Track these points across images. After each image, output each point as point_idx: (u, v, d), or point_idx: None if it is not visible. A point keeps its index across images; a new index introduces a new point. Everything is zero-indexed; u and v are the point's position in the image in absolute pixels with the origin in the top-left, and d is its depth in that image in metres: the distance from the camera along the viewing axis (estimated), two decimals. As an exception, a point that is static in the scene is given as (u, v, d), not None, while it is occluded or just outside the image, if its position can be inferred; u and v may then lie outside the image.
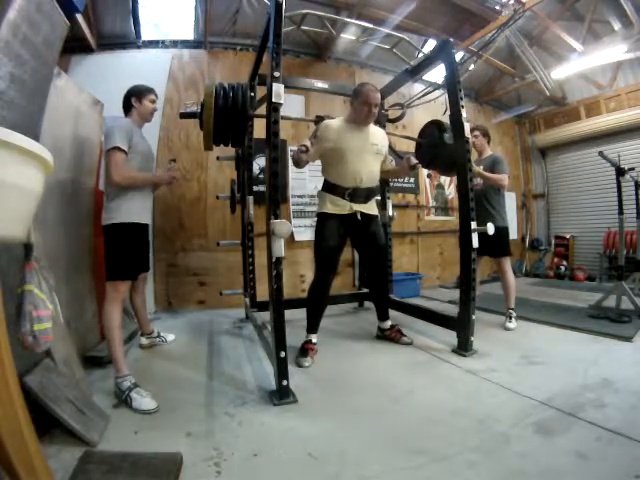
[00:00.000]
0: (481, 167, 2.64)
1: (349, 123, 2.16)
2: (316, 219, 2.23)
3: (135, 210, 1.82)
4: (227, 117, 1.81)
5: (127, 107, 1.98)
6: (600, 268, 4.84)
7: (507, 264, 2.68)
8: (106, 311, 1.69)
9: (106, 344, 1.72)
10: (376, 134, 2.24)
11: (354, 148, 2.10)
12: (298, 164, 2.03)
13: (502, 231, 2.64)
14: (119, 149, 1.73)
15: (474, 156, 2.48)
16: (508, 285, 2.66)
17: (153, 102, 2.03)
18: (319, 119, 2.30)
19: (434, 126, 2.54)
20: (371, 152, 2.17)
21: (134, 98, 1.96)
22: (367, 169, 2.15)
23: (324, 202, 2.16)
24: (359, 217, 2.14)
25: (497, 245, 2.60)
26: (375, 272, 2.35)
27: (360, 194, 2.15)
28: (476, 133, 2.75)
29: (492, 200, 2.71)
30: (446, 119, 2.28)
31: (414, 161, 2.09)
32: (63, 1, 1.33)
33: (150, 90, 2.02)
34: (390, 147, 2.42)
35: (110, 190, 1.80)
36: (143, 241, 1.92)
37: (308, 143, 1.92)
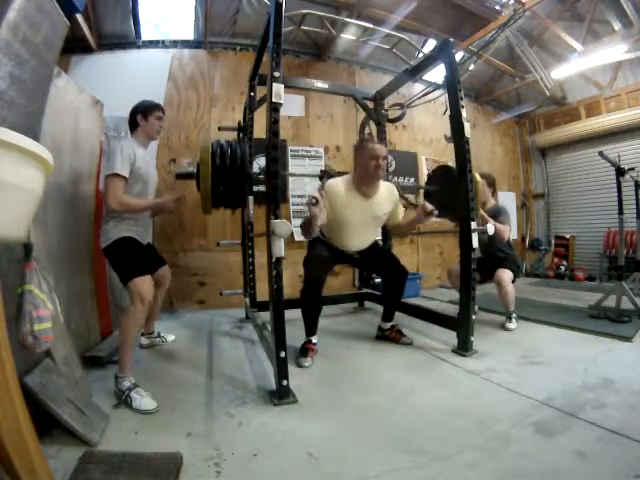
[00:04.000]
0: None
1: (356, 190, 2.09)
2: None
3: (127, 229, 1.76)
4: (225, 178, 1.72)
5: (133, 125, 1.91)
6: (600, 268, 4.84)
7: (507, 275, 2.59)
8: (129, 312, 1.63)
9: (118, 342, 1.67)
10: (382, 201, 2.18)
11: (356, 222, 2.12)
12: (310, 227, 1.89)
13: (513, 265, 2.69)
14: (119, 176, 1.68)
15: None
16: (507, 294, 2.57)
17: (160, 119, 1.95)
18: (323, 173, 2.24)
19: (444, 172, 2.52)
20: (372, 224, 2.22)
21: (140, 115, 1.89)
22: (364, 238, 2.24)
23: (321, 234, 2.18)
24: (355, 255, 2.25)
25: (504, 263, 2.64)
26: (394, 282, 2.30)
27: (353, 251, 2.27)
28: (482, 182, 2.63)
29: (501, 246, 2.66)
30: (446, 120, 2.27)
31: (429, 207, 2.01)
32: (63, 1, 1.33)
33: (157, 107, 1.95)
34: (401, 196, 2.38)
35: (105, 213, 1.78)
36: (143, 247, 1.87)
37: (317, 195, 1.83)
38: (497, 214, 2.63)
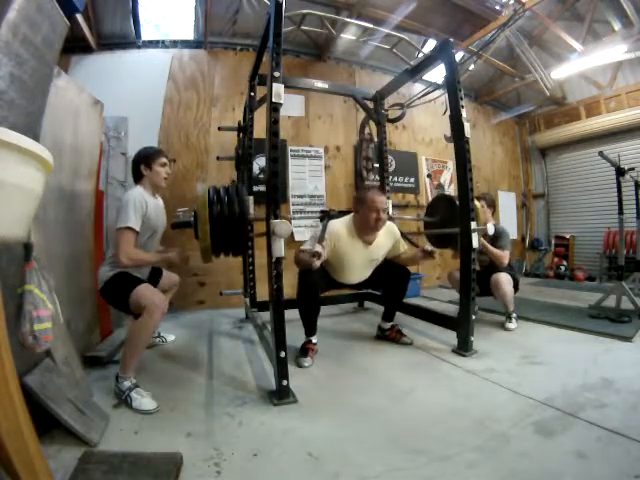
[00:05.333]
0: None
1: (357, 237, 2.14)
2: None
3: (122, 267, 1.71)
4: (224, 227, 1.68)
5: (137, 176, 1.86)
6: (600, 268, 4.84)
7: (504, 276, 2.57)
8: (143, 320, 1.58)
9: (125, 345, 1.64)
10: (381, 245, 2.23)
11: (356, 265, 2.19)
12: (309, 266, 1.84)
13: (510, 269, 2.70)
14: (131, 229, 1.66)
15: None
16: (505, 294, 2.56)
17: (164, 165, 1.88)
18: (324, 214, 2.24)
19: (445, 202, 2.52)
20: (370, 265, 2.26)
21: (143, 165, 1.84)
22: (362, 276, 2.28)
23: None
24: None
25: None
26: (396, 282, 2.31)
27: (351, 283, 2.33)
28: (482, 203, 2.61)
29: (501, 268, 2.64)
30: (446, 120, 2.27)
31: (429, 248, 2.06)
32: (63, 1, 1.33)
33: (159, 153, 1.89)
34: (404, 236, 2.41)
35: (108, 257, 1.77)
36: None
37: (319, 248, 1.81)
38: (496, 238, 2.60)
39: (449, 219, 2.44)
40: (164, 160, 1.90)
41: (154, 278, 2.01)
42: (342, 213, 2.34)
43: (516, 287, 2.68)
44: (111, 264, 1.74)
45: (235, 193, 1.75)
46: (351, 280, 2.29)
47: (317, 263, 1.79)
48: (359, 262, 2.20)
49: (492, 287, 2.61)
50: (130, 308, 1.65)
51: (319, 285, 2.10)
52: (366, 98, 3.14)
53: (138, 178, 1.87)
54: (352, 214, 2.22)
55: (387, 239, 2.27)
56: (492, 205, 2.78)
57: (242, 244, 1.88)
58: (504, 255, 2.58)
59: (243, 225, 1.76)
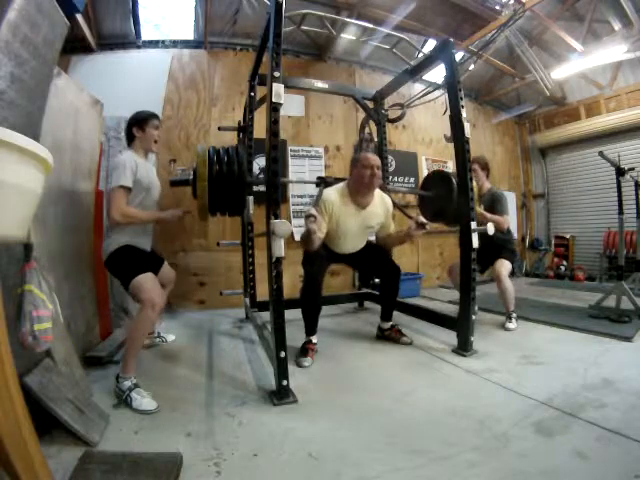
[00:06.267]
0: (481, 207, 2.55)
1: (351, 201, 2.14)
2: None
3: (127, 240, 1.76)
4: (223, 186, 1.69)
5: (130, 137, 1.90)
6: (600, 268, 4.84)
7: (504, 269, 2.60)
8: (139, 317, 1.62)
9: (127, 343, 1.66)
10: (376, 211, 2.23)
11: (350, 231, 2.20)
12: (310, 242, 1.86)
13: (507, 243, 2.69)
14: (122, 187, 1.68)
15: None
16: (506, 291, 2.58)
17: (157, 128, 1.92)
18: (320, 181, 2.25)
19: (439, 178, 2.52)
20: (365, 233, 2.30)
21: (136, 127, 1.87)
22: (357, 244, 2.31)
23: None
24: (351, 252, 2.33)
25: (501, 252, 2.63)
26: (388, 280, 2.34)
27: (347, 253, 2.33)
28: (474, 167, 2.57)
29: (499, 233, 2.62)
30: (446, 120, 2.27)
31: (422, 219, 2.03)
32: (63, 1, 1.33)
33: (153, 116, 1.92)
34: (395, 204, 2.42)
35: (108, 227, 1.78)
36: (144, 252, 1.87)
37: (314, 211, 1.82)
38: (494, 203, 2.61)
39: (443, 193, 2.40)
40: (156, 123, 1.93)
41: (155, 265, 2.00)
42: (338, 180, 2.34)
43: (512, 247, 2.71)
44: (117, 232, 1.76)
45: (235, 154, 1.76)
46: (347, 248, 2.29)
47: (314, 227, 1.79)
48: (354, 228, 2.19)
49: (495, 280, 2.64)
50: (129, 291, 1.70)
51: (322, 277, 2.14)
52: (366, 98, 3.14)
53: (130, 140, 1.91)
54: (345, 181, 2.23)
55: (381, 207, 2.27)
56: (486, 167, 2.78)
57: (239, 204, 1.89)
58: (502, 221, 2.56)
59: (241, 185, 1.78)
